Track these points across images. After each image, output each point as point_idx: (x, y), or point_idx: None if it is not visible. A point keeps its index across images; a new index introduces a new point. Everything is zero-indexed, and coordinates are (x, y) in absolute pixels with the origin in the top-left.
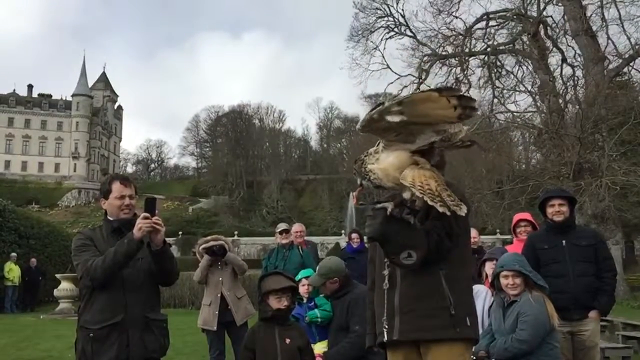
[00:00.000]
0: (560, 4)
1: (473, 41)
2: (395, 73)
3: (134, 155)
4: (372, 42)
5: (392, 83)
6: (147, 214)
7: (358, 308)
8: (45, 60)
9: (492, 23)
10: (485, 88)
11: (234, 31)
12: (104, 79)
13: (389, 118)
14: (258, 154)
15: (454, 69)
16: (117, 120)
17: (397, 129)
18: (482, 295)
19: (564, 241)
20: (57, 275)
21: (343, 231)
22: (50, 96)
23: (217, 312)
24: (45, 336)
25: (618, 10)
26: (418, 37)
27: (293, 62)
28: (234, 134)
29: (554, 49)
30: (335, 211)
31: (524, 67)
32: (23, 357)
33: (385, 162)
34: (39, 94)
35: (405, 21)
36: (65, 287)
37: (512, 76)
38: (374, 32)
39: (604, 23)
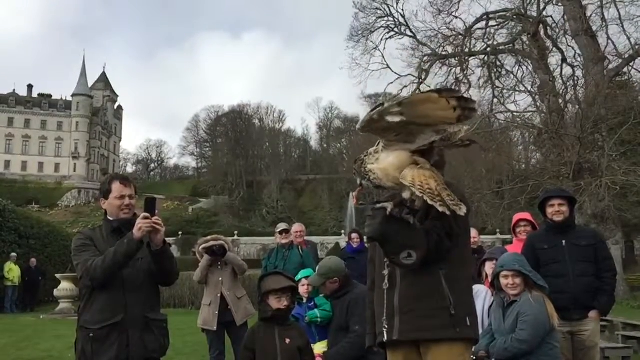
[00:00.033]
0: (560, 4)
1: (473, 41)
2: (395, 73)
3: (134, 155)
4: (372, 42)
5: (392, 83)
6: (147, 214)
7: (358, 308)
8: (45, 60)
9: (492, 23)
10: (485, 88)
11: (234, 31)
12: (104, 79)
13: (389, 118)
14: (258, 154)
15: (454, 69)
16: (117, 120)
17: (397, 129)
18: (482, 295)
19: (563, 241)
20: (57, 275)
21: (343, 231)
22: (50, 96)
23: (217, 312)
24: (45, 336)
25: (618, 10)
26: (418, 37)
27: (293, 62)
28: (234, 134)
29: (554, 49)
30: (335, 211)
31: (524, 67)
32: (23, 357)
33: (385, 162)
34: (39, 94)
35: (405, 21)
36: (65, 287)
37: (512, 76)
38: (374, 32)
39: (604, 23)
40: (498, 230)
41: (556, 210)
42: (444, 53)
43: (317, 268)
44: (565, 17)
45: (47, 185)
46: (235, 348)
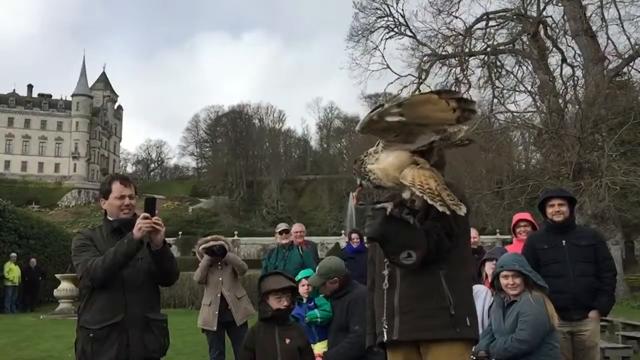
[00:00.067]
0: (560, 4)
1: (473, 41)
2: (395, 73)
3: (133, 155)
4: (372, 42)
5: (392, 83)
6: (147, 214)
7: (358, 308)
8: (45, 60)
9: (492, 23)
10: (485, 88)
11: (234, 31)
12: (103, 79)
13: (389, 119)
14: (258, 154)
15: (454, 69)
16: (117, 120)
17: (397, 130)
18: (482, 295)
19: (563, 241)
20: (57, 275)
21: (343, 231)
22: (50, 96)
23: (217, 312)
24: (45, 336)
25: (618, 11)
26: (418, 37)
27: (293, 62)
28: (234, 134)
29: (554, 49)
30: (335, 211)
31: (524, 67)
32: (23, 357)
33: (384, 162)
34: (38, 94)
35: (405, 21)
36: (65, 287)
37: (512, 76)
38: (373, 32)
39: (604, 23)
40: (498, 231)
41: (556, 211)
42: (443, 53)
43: (317, 268)
44: (565, 17)
45: (47, 186)
46: (235, 348)
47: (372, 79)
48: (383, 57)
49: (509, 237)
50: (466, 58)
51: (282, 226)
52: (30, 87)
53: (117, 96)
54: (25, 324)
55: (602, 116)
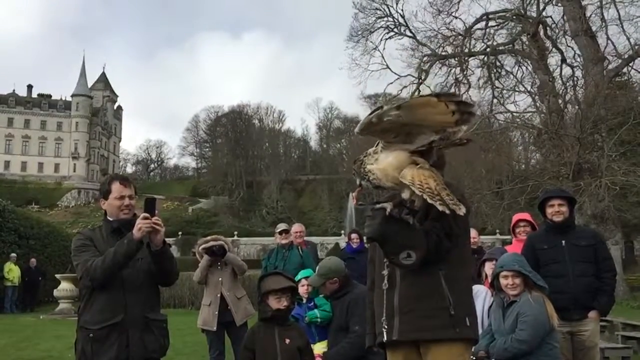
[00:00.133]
0: (559, 5)
1: (472, 41)
2: (395, 73)
3: (133, 156)
4: (371, 42)
5: (391, 83)
6: (146, 214)
7: (358, 308)
8: (45, 60)
9: (491, 23)
10: (485, 88)
11: (234, 31)
12: (103, 79)
13: (388, 120)
14: (258, 154)
15: (454, 69)
16: (117, 120)
17: (396, 130)
18: (481, 295)
19: (563, 241)
20: (57, 276)
21: (343, 231)
22: (50, 96)
23: (216, 313)
24: (45, 336)
25: (617, 11)
26: (418, 38)
27: (293, 62)
28: (234, 134)
29: (554, 49)
30: (334, 211)
31: (524, 68)
32: (23, 357)
33: (384, 162)
34: (38, 94)
35: (405, 21)
36: (65, 287)
37: (511, 76)
38: (373, 32)
39: (604, 23)
40: (498, 231)
41: (556, 211)
42: (443, 53)
43: (316, 268)
44: (565, 17)
45: (46, 186)
46: (235, 348)
47: (371, 79)
48: (383, 57)
49: (508, 237)
50: (466, 58)
51: (281, 226)
52: (30, 87)
53: (117, 96)
54: (25, 324)
55: (602, 116)
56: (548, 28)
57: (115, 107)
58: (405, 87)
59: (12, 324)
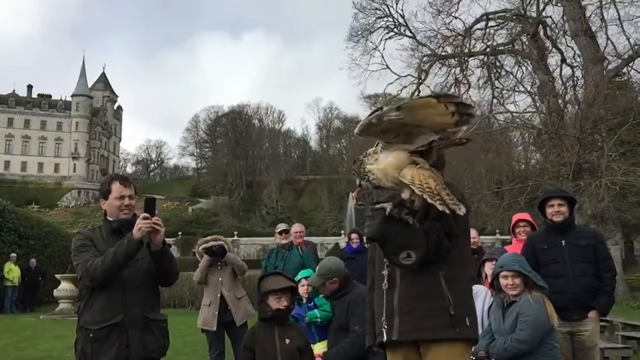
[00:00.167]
0: (559, 5)
1: (472, 41)
2: (395, 73)
3: (133, 156)
4: (371, 42)
5: (391, 83)
6: (146, 214)
7: (358, 308)
8: (45, 60)
9: (491, 23)
10: (485, 88)
11: (234, 31)
12: (103, 79)
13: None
14: (258, 154)
15: (454, 69)
16: (117, 120)
17: (396, 131)
18: (481, 295)
19: (563, 241)
20: (57, 276)
21: (342, 231)
22: (50, 96)
23: (216, 313)
24: (45, 336)
25: (617, 11)
26: (417, 38)
27: (293, 62)
28: (234, 134)
29: (554, 50)
30: (334, 211)
31: (524, 68)
32: (23, 357)
33: (384, 162)
34: (38, 94)
35: (405, 21)
36: (65, 287)
37: (511, 76)
38: (373, 32)
39: (603, 23)
40: (497, 231)
41: (556, 211)
42: (443, 53)
43: (316, 268)
44: (565, 17)
45: (46, 186)
46: (235, 348)
47: (371, 79)
48: (383, 57)
49: (508, 237)
50: (466, 58)
51: (281, 226)
52: (30, 87)
53: (117, 96)
54: (25, 324)
55: (602, 116)
56: (548, 28)
57: (115, 107)
58: (405, 87)
59: (12, 324)
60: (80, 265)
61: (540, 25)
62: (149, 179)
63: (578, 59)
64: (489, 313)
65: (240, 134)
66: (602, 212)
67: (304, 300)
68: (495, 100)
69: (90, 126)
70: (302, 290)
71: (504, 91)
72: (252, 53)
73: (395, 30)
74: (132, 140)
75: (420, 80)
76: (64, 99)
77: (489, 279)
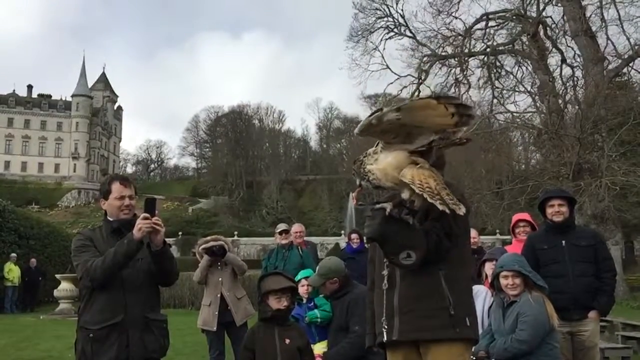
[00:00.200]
0: (559, 5)
1: (472, 41)
2: (395, 73)
3: (133, 156)
4: (371, 42)
5: (391, 83)
6: (147, 215)
7: (358, 308)
8: (45, 60)
9: (491, 23)
10: (485, 88)
11: (234, 31)
12: (103, 79)
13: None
14: (258, 154)
15: (454, 69)
16: (117, 120)
17: (396, 131)
18: (481, 295)
19: (563, 241)
20: (57, 276)
21: (343, 231)
22: (50, 96)
23: (216, 313)
24: (45, 336)
25: (617, 11)
26: (417, 38)
27: (293, 62)
28: (234, 134)
29: (554, 50)
30: (334, 211)
31: (524, 68)
32: (23, 357)
33: (384, 162)
34: (38, 94)
35: (405, 21)
36: (65, 287)
37: (511, 76)
38: (373, 32)
39: (604, 23)
40: (498, 231)
41: (556, 211)
42: (443, 53)
43: (316, 268)
44: (565, 17)
45: (47, 186)
46: (235, 348)
47: (371, 79)
48: (383, 57)
49: (508, 237)
50: (466, 58)
51: (281, 226)
52: (30, 87)
53: (117, 96)
54: (25, 324)
55: (602, 116)
56: (548, 28)
57: (115, 107)
58: (405, 87)
59: (12, 324)
60: (81, 266)
61: (541, 25)
62: (149, 179)
63: (578, 59)
64: (489, 313)
65: (240, 134)
66: (602, 212)
67: (304, 300)
68: (495, 100)
69: (90, 126)
70: (302, 290)
71: (504, 91)
72: (252, 53)
73: (395, 30)
74: (132, 141)
75: (420, 81)
76: (64, 99)
77: (489, 279)
